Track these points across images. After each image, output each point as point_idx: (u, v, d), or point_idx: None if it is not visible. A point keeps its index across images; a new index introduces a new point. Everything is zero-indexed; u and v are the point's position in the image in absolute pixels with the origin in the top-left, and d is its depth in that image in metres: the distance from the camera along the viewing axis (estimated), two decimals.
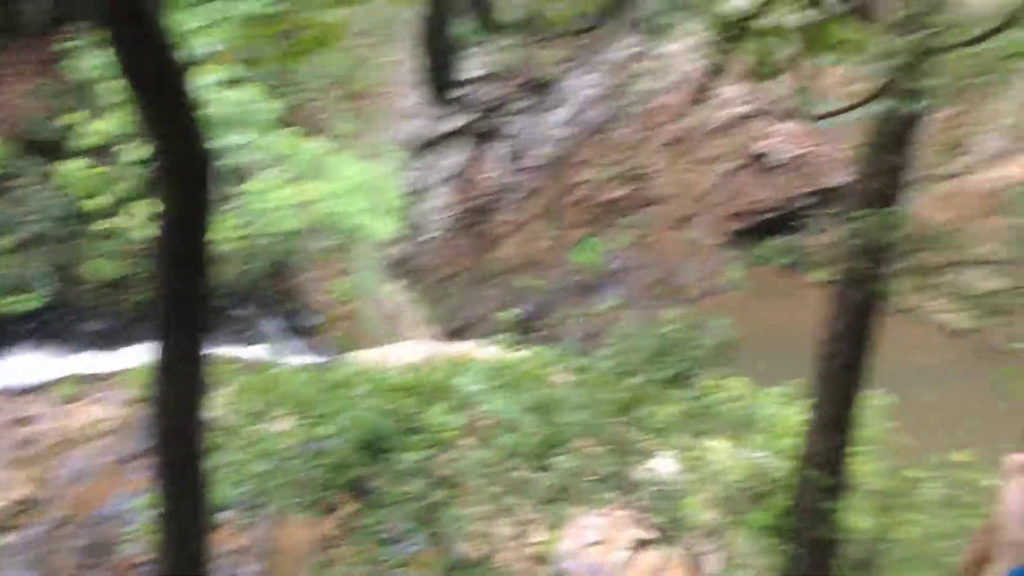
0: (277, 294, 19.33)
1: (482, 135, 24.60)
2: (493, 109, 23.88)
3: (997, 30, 2.73)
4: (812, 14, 1.97)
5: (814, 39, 2.05)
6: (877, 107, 6.31)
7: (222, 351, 14.61)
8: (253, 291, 18.69)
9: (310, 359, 17.21)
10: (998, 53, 5.59)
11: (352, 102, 20.22)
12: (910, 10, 5.09)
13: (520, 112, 24.48)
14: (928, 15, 4.87)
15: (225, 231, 15.99)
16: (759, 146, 27.56)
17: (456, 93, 22.74)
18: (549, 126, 25.24)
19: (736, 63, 2.17)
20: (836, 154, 25.86)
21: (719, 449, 9.63)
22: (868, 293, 6.56)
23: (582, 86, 24.95)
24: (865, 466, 11.42)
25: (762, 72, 2.24)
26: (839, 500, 7.02)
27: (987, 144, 26.97)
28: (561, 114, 25.12)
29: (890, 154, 6.35)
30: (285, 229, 16.26)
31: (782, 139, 27.49)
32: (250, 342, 16.82)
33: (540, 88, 24.31)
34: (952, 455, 12.88)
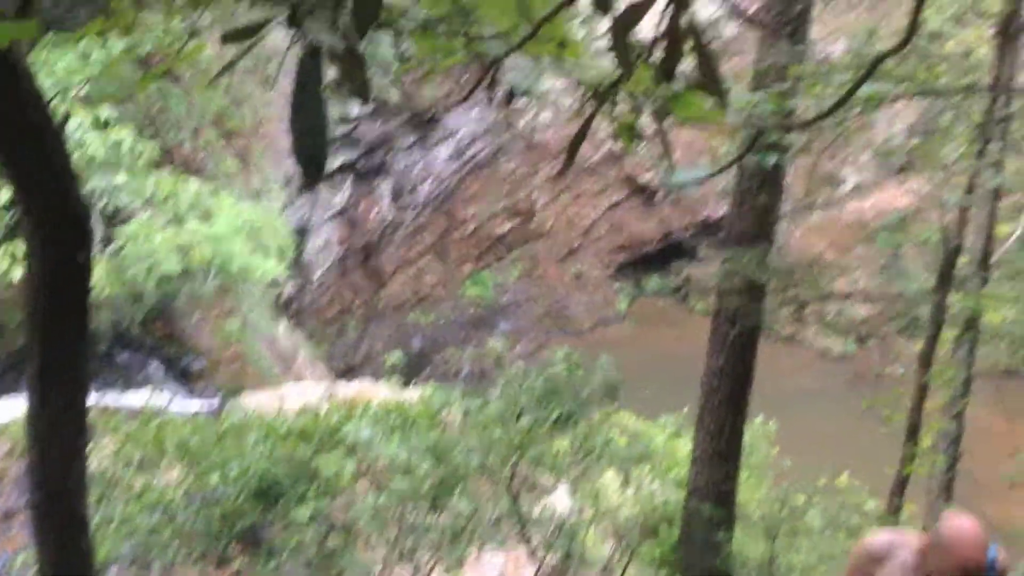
0: (161, 339, 18.82)
1: (368, 172, 24.54)
2: (378, 146, 23.87)
3: (850, 93, 2.95)
4: (665, 87, 2.11)
5: (669, 109, 2.18)
6: (743, 161, 6.65)
7: (104, 399, 14.12)
8: (135, 336, 18.16)
9: (197, 404, 16.80)
10: (854, 102, 5.96)
11: (232, 140, 19.93)
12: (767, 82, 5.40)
13: (405, 148, 24.54)
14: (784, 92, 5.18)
15: (103, 276, 15.52)
16: (640, 180, 28.30)
17: (330, 168, 22.67)
18: (435, 162, 25.38)
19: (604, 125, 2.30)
20: (715, 187, 26.79)
21: (612, 484, 9.83)
22: (745, 328, 6.84)
23: (466, 122, 25.19)
24: (752, 493, 11.82)
25: (624, 138, 2.36)
26: (726, 531, 7.25)
27: (856, 175, 28.34)
28: (446, 150, 25.30)
29: (758, 195, 6.69)
30: (166, 272, 15.86)
31: (664, 173, 28.29)
32: (134, 389, 16.28)
33: (424, 124, 24.44)
34: (835, 480, 13.43)
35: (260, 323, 20.53)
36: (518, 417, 6.23)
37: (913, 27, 1.80)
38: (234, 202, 17.42)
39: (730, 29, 25.41)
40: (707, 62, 2.03)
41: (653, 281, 28.49)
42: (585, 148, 23.73)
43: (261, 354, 20.20)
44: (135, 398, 14.57)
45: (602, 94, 2.53)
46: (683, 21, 2.00)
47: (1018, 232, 14.07)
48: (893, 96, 5.86)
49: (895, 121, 26.67)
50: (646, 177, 28.19)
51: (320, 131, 1.91)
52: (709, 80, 2.05)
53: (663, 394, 19.93)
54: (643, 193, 28.50)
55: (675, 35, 1.99)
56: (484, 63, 3.34)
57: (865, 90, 4.60)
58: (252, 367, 19.72)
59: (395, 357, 13.69)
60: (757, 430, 15.29)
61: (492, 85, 2.48)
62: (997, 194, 9.68)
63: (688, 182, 2.22)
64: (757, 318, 6.83)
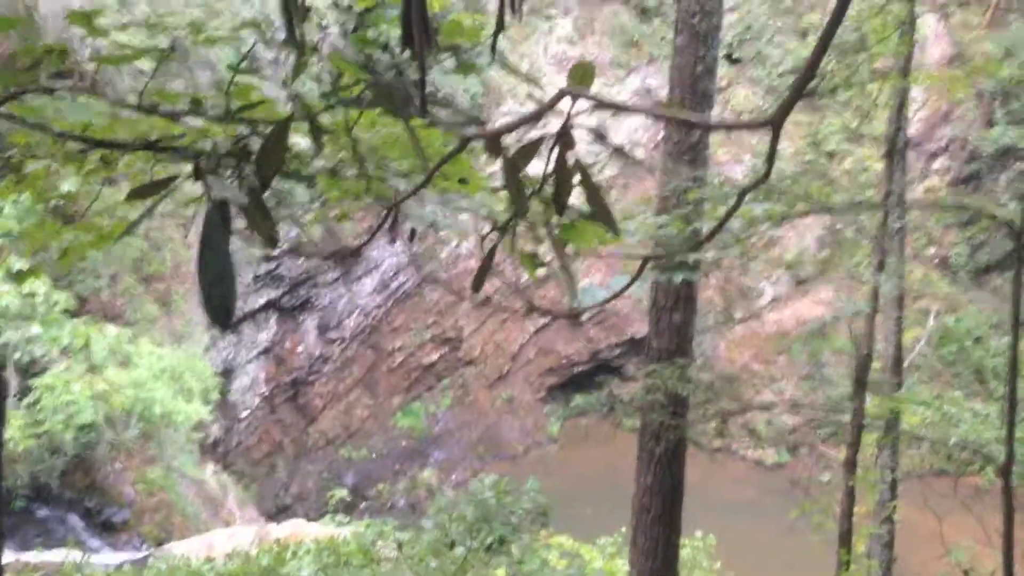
0: (81, 490, 18.18)
1: (293, 308, 24.47)
2: (301, 282, 23.90)
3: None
4: (557, 219, 2.25)
5: (564, 238, 2.31)
6: (657, 281, 6.90)
7: (24, 557, 13.46)
8: (55, 489, 17.53)
9: (122, 557, 16.13)
10: (755, 220, 6.27)
11: (152, 284, 19.78)
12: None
13: (329, 284, 24.61)
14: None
15: (19, 429, 15.06)
16: (565, 303, 28.75)
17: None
18: (359, 295, 25.46)
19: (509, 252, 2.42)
20: (640, 306, 27.35)
21: None
22: (670, 443, 6.93)
23: (387, 255, 25.45)
24: None
25: (527, 267, 2.48)
26: None
27: (772, 288, 29.23)
28: (370, 283, 25.43)
29: (674, 313, 6.90)
30: (85, 422, 15.43)
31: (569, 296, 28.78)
32: (53, 544, 15.58)
33: (347, 259, 24.62)
34: None
35: (186, 468, 19.98)
36: (451, 546, 6.15)
37: (771, 161, 1.97)
38: (154, 347, 17.20)
39: (639, 153, 26.46)
40: (595, 194, 2.17)
41: (582, 401, 28.65)
42: (509, 273, 24.07)
43: (188, 500, 19.59)
44: (56, 555, 13.97)
45: (501, 227, 2.67)
46: (569, 159, 2.14)
47: (925, 338, 14.68)
48: (793, 215, 6.17)
49: (805, 235, 27.78)
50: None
51: (227, 280, 1.98)
52: (598, 210, 2.19)
53: (600, 514, 19.82)
54: (569, 315, 28.91)
55: (563, 172, 2.14)
56: (388, 203, 3.48)
57: (761, 211, 4.88)
58: (179, 515, 19.08)
59: (340, 493, 13.41)
60: (696, 544, 15.28)
61: (394, 225, 2.59)
62: (901, 302, 10.11)
63: (593, 303, 2.33)
64: (682, 432, 6.93)
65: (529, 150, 2.13)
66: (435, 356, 27.24)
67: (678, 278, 4.52)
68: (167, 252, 20.36)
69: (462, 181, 2.81)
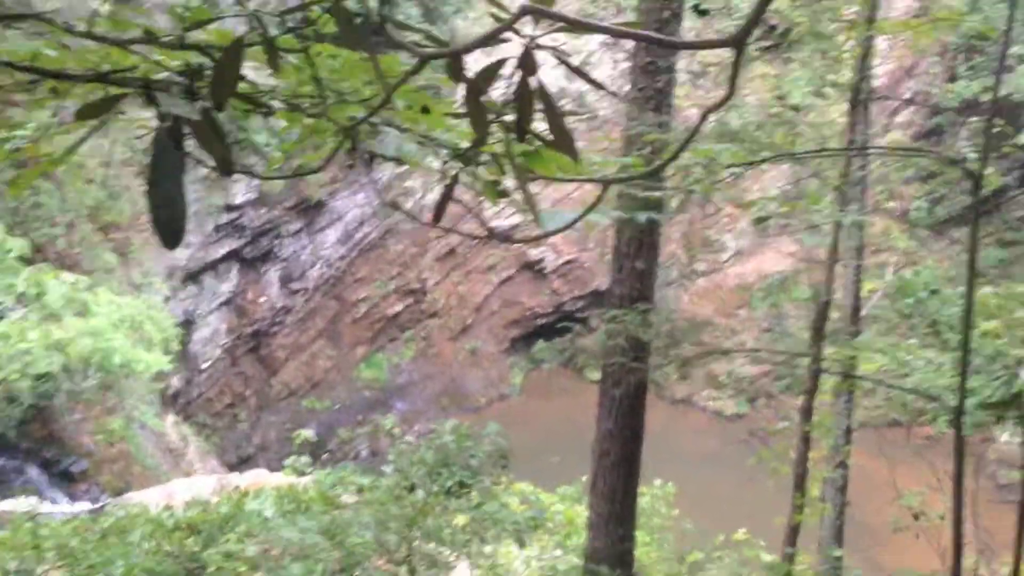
0: (39, 441, 18.02)
1: (255, 259, 24.23)
2: (263, 233, 23.64)
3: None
4: (521, 145, 2.21)
5: (527, 166, 2.28)
6: (612, 216, 6.89)
7: None
8: (12, 440, 17.36)
9: (80, 506, 16.05)
10: (718, 164, 6.27)
11: (109, 234, 19.47)
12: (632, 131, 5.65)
13: (291, 234, 24.37)
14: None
15: None
16: (530, 254, 28.75)
17: (221, 220, 22.42)
18: (323, 246, 25.26)
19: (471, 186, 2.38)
20: (604, 259, 27.42)
21: (513, 554, 9.76)
22: (631, 388, 6.98)
23: (351, 206, 25.24)
24: (652, 554, 11.91)
25: (489, 195, 2.45)
26: None
27: (735, 241, 29.42)
28: (334, 234, 25.23)
29: (636, 259, 6.91)
30: (42, 371, 15.24)
31: (550, 247, 28.84)
32: (11, 495, 15.47)
33: (310, 209, 24.37)
34: (732, 536, 13.67)
35: (146, 419, 19.84)
36: (411, 490, 6.18)
37: (734, 81, 1.95)
38: (112, 296, 16.95)
39: (605, 107, 26.34)
40: (556, 120, 2.14)
41: (546, 352, 28.79)
42: (474, 225, 24.00)
43: (147, 451, 19.50)
44: (14, 505, 13.87)
45: (464, 156, 2.63)
46: (532, 84, 2.11)
47: (881, 291, 14.85)
48: (756, 161, 6.18)
49: (769, 189, 27.89)
50: (534, 252, 28.66)
51: (177, 201, 1.93)
52: (559, 136, 2.16)
53: (565, 464, 20.02)
54: (533, 268, 28.94)
55: (524, 97, 2.10)
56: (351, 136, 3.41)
57: (727, 155, 4.87)
58: (138, 465, 19.01)
59: (305, 434, 13.34)
60: (656, 493, 15.51)
61: (353, 149, 2.53)
62: (861, 252, 10.22)
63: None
64: (642, 377, 6.98)
65: (490, 72, 2.09)
66: (399, 307, 27.18)
67: (641, 218, 4.51)
68: (125, 201, 20.01)
69: (424, 111, 2.75)
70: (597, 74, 25.43)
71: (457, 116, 2.47)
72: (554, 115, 2.11)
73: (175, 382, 22.58)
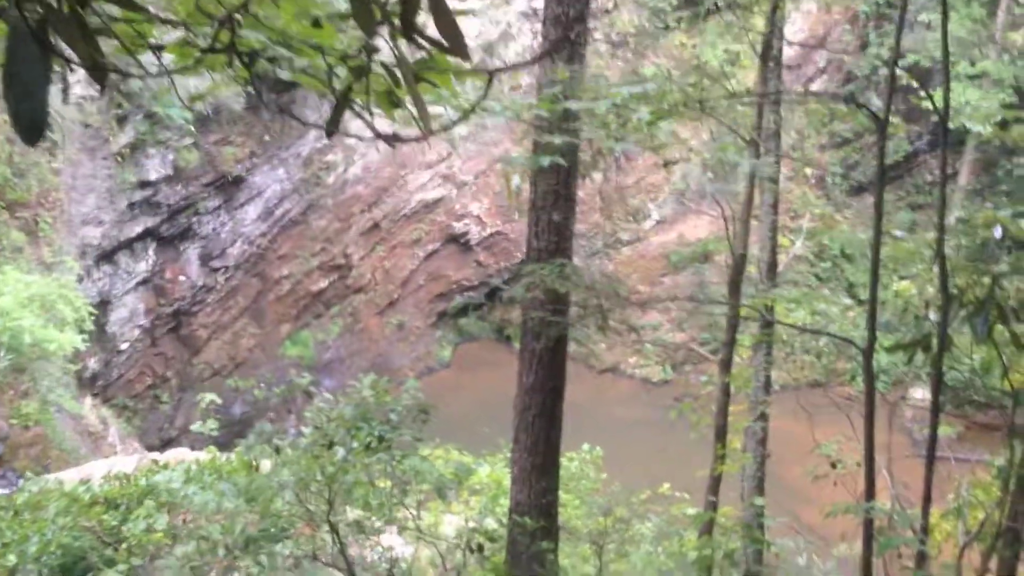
0: None
1: (173, 237, 23.66)
2: (180, 210, 23.08)
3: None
4: (415, 53, 2.16)
5: (419, 73, 2.22)
6: (536, 181, 6.89)
7: None
8: None
9: None
10: (636, 123, 6.28)
11: (17, 212, 18.81)
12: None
13: (210, 211, 23.84)
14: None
15: None
16: (455, 227, 28.65)
17: (139, 196, 21.84)
18: (243, 223, 24.77)
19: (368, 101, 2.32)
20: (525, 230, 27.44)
21: (441, 514, 9.75)
22: (550, 341, 6.99)
23: (271, 181, 24.78)
24: (584, 518, 12.02)
25: (383, 106, 2.39)
26: (550, 543, 7.32)
27: (658, 211, 29.72)
28: (254, 210, 24.76)
29: (552, 212, 6.91)
30: None
31: (475, 219, 28.78)
32: None
33: (228, 186, 23.86)
34: (657, 491, 13.89)
35: (62, 402, 19.29)
36: (329, 447, 6.10)
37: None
38: (20, 275, 16.40)
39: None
40: (443, 17, 2.09)
41: (473, 325, 28.79)
42: (398, 198, 23.80)
43: (65, 435, 18.96)
44: None
45: (357, 69, 2.56)
46: None
47: (799, 245, 15.15)
48: (669, 114, 6.19)
49: (691, 158, 28.23)
50: (459, 225, 28.58)
51: (37, 93, 1.82)
52: (447, 33, 2.11)
53: (492, 435, 20.09)
54: (458, 241, 28.85)
55: None
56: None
57: (627, 92, 4.86)
58: (56, 449, 18.47)
59: (209, 396, 13.07)
60: (584, 457, 15.67)
61: (231, 48, 2.41)
62: (775, 208, 10.39)
63: (447, 124, 2.26)
64: (562, 331, 7.00)
65: None
66: (323, 283, 26.85)
67: (545, 161, 4.48)
68: (32, 178, 19.35)
69: (316, 24, 2.67)
70: (516, 45, 25.37)
71: (344, 18, 2.40)
72: (442, 11, 2.06)
73: (92, 364, 22.01)
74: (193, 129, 21.50)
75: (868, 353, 6.92)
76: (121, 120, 20.57)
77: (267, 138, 23.86)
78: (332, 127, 2.52)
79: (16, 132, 1.85)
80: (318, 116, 24.47)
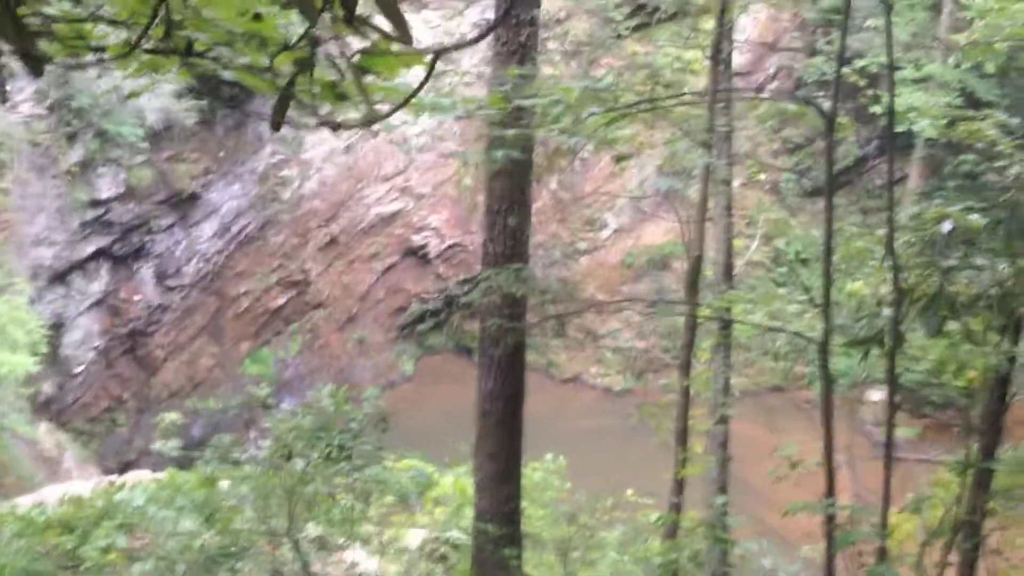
0: None
1: (126, 256, 23.32)
2: (134, 228, 22.76)
3: None
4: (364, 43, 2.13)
5: (364, 63, 2.20)
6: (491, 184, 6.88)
7: None
8: None
9: None
10: (591, 124, 6.29)
11: None
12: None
13: (164, 229, 23.54)
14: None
15: None
16: (413, 240, 28.56)
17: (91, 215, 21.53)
18: (199, 241, 24.50)
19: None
20: None
21: (404, 527, 9.67)
22: (508, 346, 6.97)
23: (227, 198, 24.55)
24: (548, 528, 12.00)
25: (328, 98, 2.36)
26: (514, 549, 7.28)
27: (615, 219, 29.86)
28: (209, 227, 24.49)
29: (508, 217, 6.90)
30: None
31: (434, 232, 28.72)
32: None
33: (183, 203, 23.59)
34: (620, 498, 13.90)
35: (16, 427, 18.92)
36: (289, 458, 6.02)
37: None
38: None
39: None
40: (387, 2, 2.07)
41: (430, 338, 28.70)
42: (356, 212, 23.71)
43: (20, 461, 18.59)
44: None
45: (301, 61, 2.53)
46: None
47: (754, 247, 15.26)
48: (620, 111, 6.22)
49: (646, 165, 28.41)
50: (418, 238, 28.49)
51: None
52: (389, 15, 2.08)
53: (455, 447, 20.02)
54: (417, 254, 28.76)
55: None
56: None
57: (599, 118, 4.88)
58: (11, 476, 18.10)
59: (170, 416, 12.87)
60: (548, 467, 15.62)
61: (169, 28, 2.36)
62: (729, 210, 10.48)
63: (392, 107, 2.24)
64: (520, 336, 6.98)
65: None
66: (282, 300, 26.61)
67: (498, 153, 4.47)
68: None
69: (256, 18, 2.64)
70: (471, 56, 25.42)
71: (285, 7, 2.37)
72: None
73: (47, 388, 21.60)
74: (146, 146, 21.24)
75: (823, 348, 6.98)
76: (71, 138, 20.27)
77: (221, 154, 23.64)
78: (276, 119, 2.48)
79: None
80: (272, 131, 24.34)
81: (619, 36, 26.69)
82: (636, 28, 26.85)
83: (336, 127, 2.28)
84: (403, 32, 2.11)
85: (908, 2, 25.89)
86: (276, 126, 2.53)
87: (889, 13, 5.73)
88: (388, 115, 2.30)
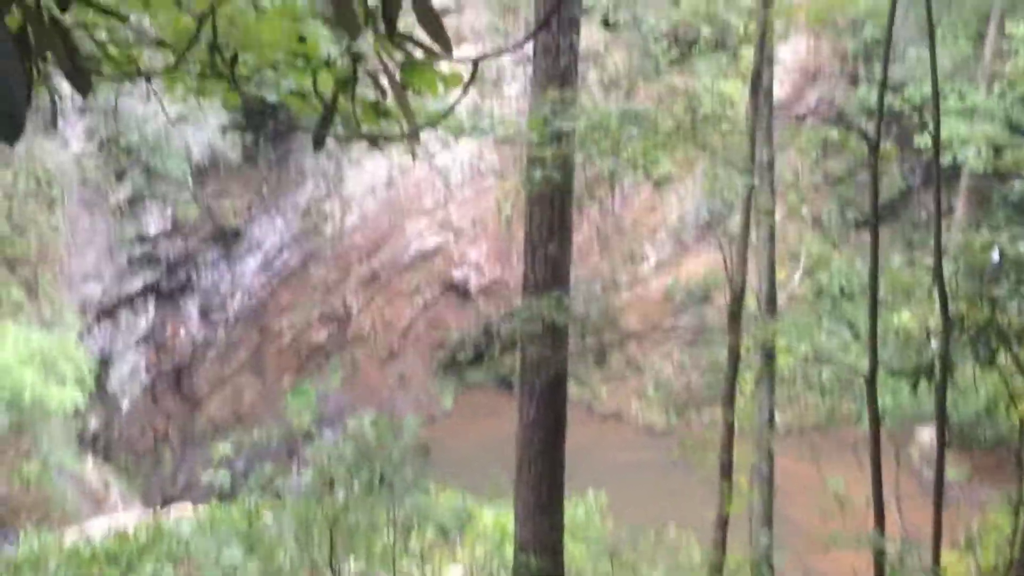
0: None
1: (173, 291, 23.65)
2: (180, 263, 23.11)
3: None
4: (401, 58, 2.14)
5: (405, 81, 2.21)
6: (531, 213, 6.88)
7: None
8: None
9: None
10: (631, 152, 6.29)
11: (17, 269, 18.82)
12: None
13: (209, 264, 23.87)
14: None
15: None
16: (453, 275, 28.66)
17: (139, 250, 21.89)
18: (243, 275, 24.80)
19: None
20: None
21: (445, 561, 9.59)
22: (550, 375, 6.93)
23: (269, 232, 24.86)
24: (586, 559, 11.85)
25: (369, 119, 2.37)
26: None
27: (655, 253, 29.75)
28: (253, 262, 24.79)
29: (548, 245, 6.88)
30: None
31: (474, 266, 28.80)
32: None
33: (227, 238, 23.92)
34: (662, 534, 13.69)
35: (64, 462, 19.12)
36: (331, 487, 6.01)
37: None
38: (21, 332, 16.35)
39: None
40: (425, 9, 2.08)
41: (472, 373, 28.67)
42: (396, 247, 23.89)
43: (67, 496, 18.77)
44: None
45: (343, 80, 2.55)
46: None
47: (796, 278, 15.11)
48: (660, 140, 6.20)
49: (685, 199, 28.33)
50: (458, 273, 28.59)
51: (16, 90, 1.78)
52: (429, 26, 2.09)
53: (495, 481, 19.91)
54: (457, 289, 28.83)
55: None
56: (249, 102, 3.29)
57: (615, 111, 4.87)
58: (57, 510, 18.28)
59: (224, 449, 12.92)
60: (589, 503, 15.47)
61: (215, 49, 2.39)
62: (772, 238, 10.38)
63: (429, 120, 2.24)
64: (561, 364, 6.94)
65: None
66: (323, 334, 26.78)
67: (537, 174, 4.47)
68: (32, 235, 19.39)
69: (301, 40, 2.67)
70: (509, 90, 25.62)
71: (327, 20, 2.39)
72: (423, 5, 2.04)
73: (94, 423, 21.85)
74: (191, 182, 21.61)
75: (871, 380, 6.85)
76: (120, 175, 20.68)
77: (265, 189, 23.97)
78: (319, 136, 2.50)
79: None
80: (315, 164, 24.63)
81: (657, 70, 26.75)
82: (675, 61, 26.90)
83: (378, 141, 2.28)
84: (444, 44, 2.12)
85: (951, 32, 25.68)
86: (318, 143, 2.55)
87: (933, 38, 5.67)
88: (433, 124, 2.30)
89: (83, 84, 2.07)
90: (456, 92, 2.52)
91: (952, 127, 22.30)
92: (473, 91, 22.77)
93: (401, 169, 26.49)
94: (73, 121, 19.53)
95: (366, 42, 2.26)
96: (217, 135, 21.84)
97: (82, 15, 2.42)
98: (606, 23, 27.15)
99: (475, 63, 2.15)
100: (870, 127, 7.61)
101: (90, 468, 20.80)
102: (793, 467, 20.09)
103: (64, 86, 2.55)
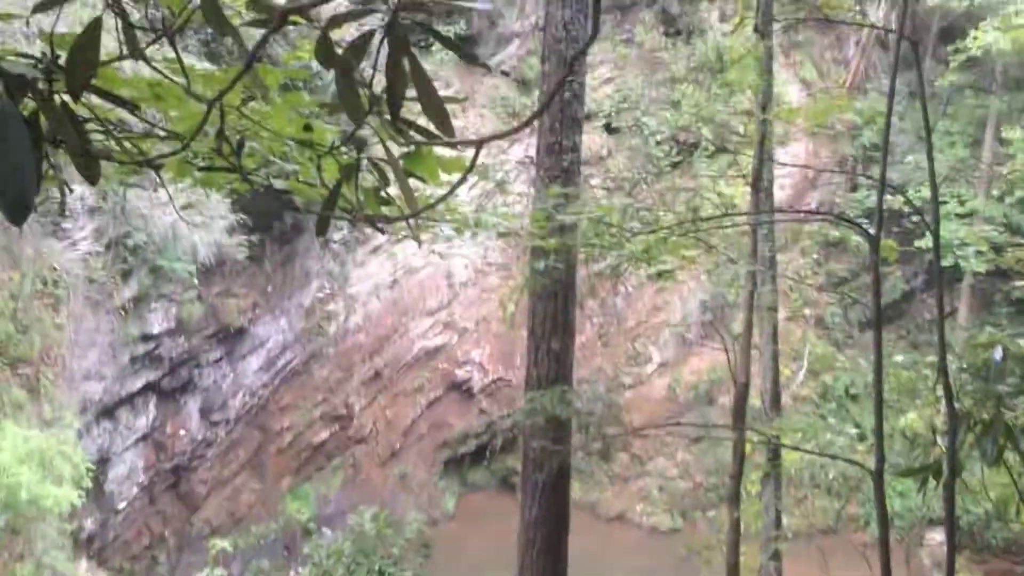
0: None
1: (174, 390, 23.54)
2: (182, 363, 23.06)
3: None
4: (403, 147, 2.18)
5: (407, 168, 2.25)
6: (534, 308, 6.90)
7: None
8: None
9: None
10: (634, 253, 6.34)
11: (18, 369, 18.80)
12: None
13: (212, 363, 23.82)
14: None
15: None
16: (457, 375, 28.57)
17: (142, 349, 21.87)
18: (245, 375, 24.72)
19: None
20: None
21: None
22: (553, 471, 6.83)
23: (273, 332, 24.89)
24: None
25: (371, 205, 2.41)
26: None
27: (659, 353, 29.72)
28: (255, 361, 24.75)
29: (551, 340, 6.89)
30: None
31: (477, 366, 28.74)
32: None
33: (230, 337, 23.94)
34: None
35: (57, 565, 18.73)
36: None
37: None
38: (18, 431, 16.22)
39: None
40: (429, 95, 2.13)
41: (475, 475, 28.31)
42: (400, 346, 23.86)
43: None
44: None
45: (347, 168, 2.59)
46: (404, 62, 2.10)
47: (800, 377, 15.02)
48: (660, 227, 6.26)
49: (688, 299, 28.44)
50: (461, 372, 28.50)
51: (23, 171, 1.82)
52: (432, 112, 2.14)
53: None
54: (460, 388, 28.70)
55: (396, 71, 2.09)
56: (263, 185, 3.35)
57: (621, 204, 4.93)
58: None
59: (220, 543, 12.60)
60: None
61: (222, 136, 2.42)
62: (775, 336, 10.37)
63: (428, 204, 2.27)
64: (564, 458, 6.85)
65: (359, 47, 2.08)
66: (325, 435, 26.54)
67: (539, 265, 4.50)
68: (35, 334, 19.41)
69: (307, 129, 2.73)
70: (513, 189, 25.99)
71: (331, 107, 2.44)
72: (424, 83, 2.09)
73: (89, 524, 21.49)
74: (196, 281, 21.75)
75: (878, 476, 6.76)
76: (126, 274, 20.83)
77: (270, 288, 24.11)
78: (323, 222, 2.53)
79: (1, 210, 1.84)
80: (320, 265, 24.82)
81: (659, 173, 27.20)
82: (676, 164, 27.38)
83: (380, 224, 2.31)
84: (447, 129, 2.16)
85: (948, 140, 26.20)
86: (322, 229, 2.58)
87: (930, 136, 5.78)
88: (438, 202, 2.33)
89: (92, 171, 2.11)
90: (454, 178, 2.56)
91: (952, 230, 22.54)
92: (478, 191, 23.08)
93: (406, 270, 26.69)
94: (83, 222, 19.78)
95: (369, 128, 2.31)
96: (224, 235, 22.09)
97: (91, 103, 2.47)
98: (609, 128, 27.75)
99: (478, 144, 2.19)
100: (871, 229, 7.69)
101: (83, 572, 20.36)
102: (801, 570, 19.61)
103: (73, 177, 2.59)
